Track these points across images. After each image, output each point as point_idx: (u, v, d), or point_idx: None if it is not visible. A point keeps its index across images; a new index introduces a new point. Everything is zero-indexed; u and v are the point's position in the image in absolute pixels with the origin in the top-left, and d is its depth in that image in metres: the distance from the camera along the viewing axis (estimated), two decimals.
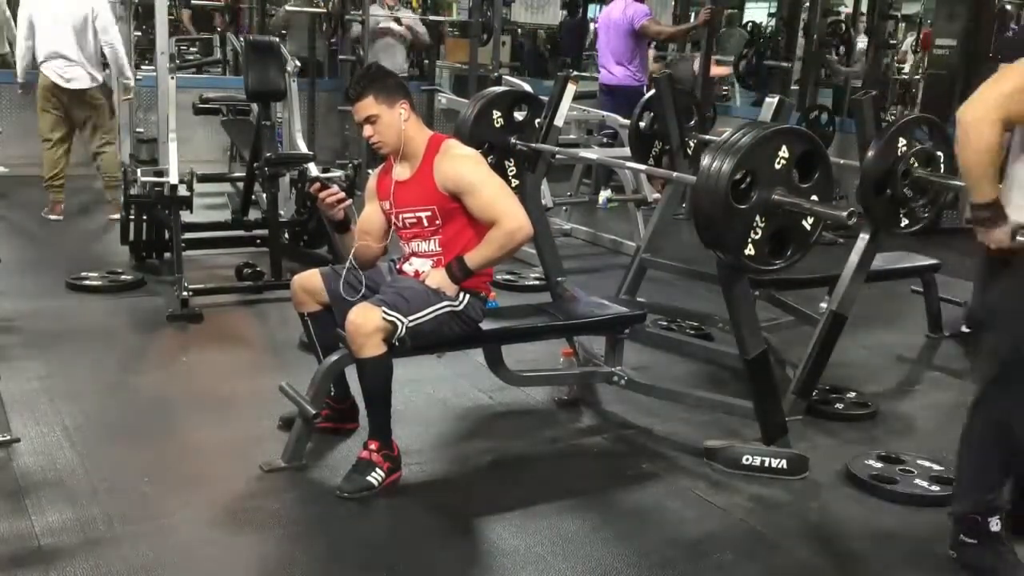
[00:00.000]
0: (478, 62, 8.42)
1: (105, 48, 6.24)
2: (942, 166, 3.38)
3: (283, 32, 7.55)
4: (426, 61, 9.79)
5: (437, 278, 3.04)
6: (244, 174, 5.70)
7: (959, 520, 2.66)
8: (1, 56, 8.71)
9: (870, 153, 3.29)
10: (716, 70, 8.38)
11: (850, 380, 4.06)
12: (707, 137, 4.36)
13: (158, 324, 4.40)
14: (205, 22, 10.92)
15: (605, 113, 7.11)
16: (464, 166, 3.08)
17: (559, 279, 3.89)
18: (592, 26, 12.57)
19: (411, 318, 2.93)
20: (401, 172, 3.16)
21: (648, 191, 6.13)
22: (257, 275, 4.91)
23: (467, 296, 3.08)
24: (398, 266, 3.24)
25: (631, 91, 7.16)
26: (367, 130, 3.10)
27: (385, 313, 2.88)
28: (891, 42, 9.66)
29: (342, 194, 3.20)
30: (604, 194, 5.88)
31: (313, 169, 5.29)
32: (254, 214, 5.60)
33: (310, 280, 3.21)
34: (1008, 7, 8.49)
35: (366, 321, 2.86)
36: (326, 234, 5.20)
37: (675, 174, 3.74)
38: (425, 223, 3.11)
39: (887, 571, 2.70)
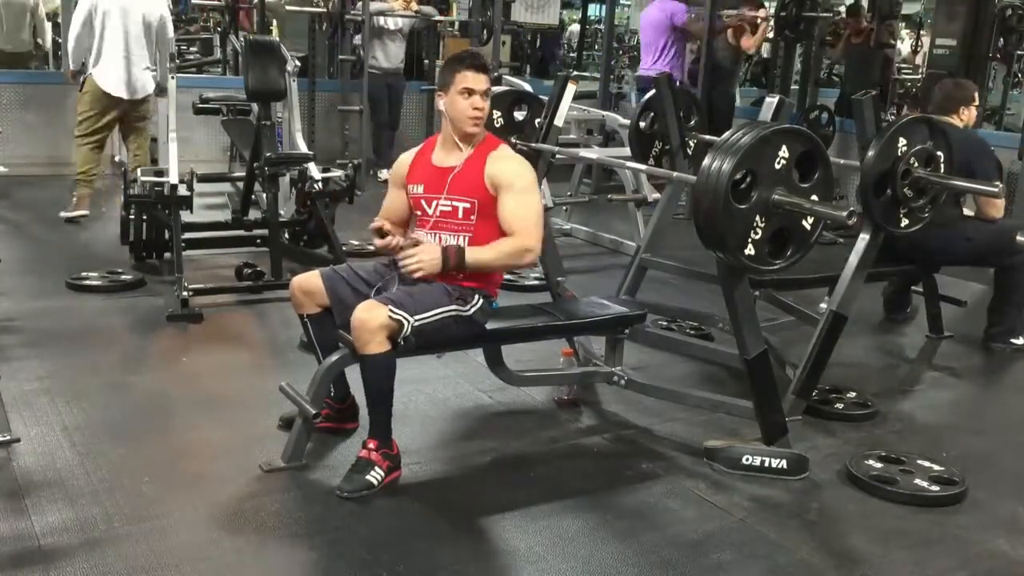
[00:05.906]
0: None
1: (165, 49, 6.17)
2: (942, 166, 3.38)
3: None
4: (426, 61, 9.78)
5: (429, 253, 3.00)
6: (244, 174, 5.70)
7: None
8: (18, 54, 8.70)
9: (870, 153, 3.29)
10: (748, 41, 7.63)
11: (850, 380, 4.05)
12: (707, 137, 4.36)
13: (158, 324, 4.40)
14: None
15: (605, 113, 7.10)
16: (520, 167, 3.13)
17: (559, 279, 3.89)
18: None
19: (417, 317, 2.92)
20: (445, 158, 3.14)
21: (648, 191, 6.13)
22: (257, 275, 4.90)
23: (479, 300, 3.08)
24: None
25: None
26: (479, 101, 3.06)
27: (392, 311, 2.87)
28: (891, 42, 9.66)
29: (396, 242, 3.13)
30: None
31: (313, 169, 5.29)
32: (254, 214, 5.60)
33: (309, 282, 3.19)
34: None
35: (371, 318, 2.86)
36: (326, 234, 5.21)
37: (675, 174, 3.74)
38: (460, 215, 3.08)
39: (887, 571, 2.69)
